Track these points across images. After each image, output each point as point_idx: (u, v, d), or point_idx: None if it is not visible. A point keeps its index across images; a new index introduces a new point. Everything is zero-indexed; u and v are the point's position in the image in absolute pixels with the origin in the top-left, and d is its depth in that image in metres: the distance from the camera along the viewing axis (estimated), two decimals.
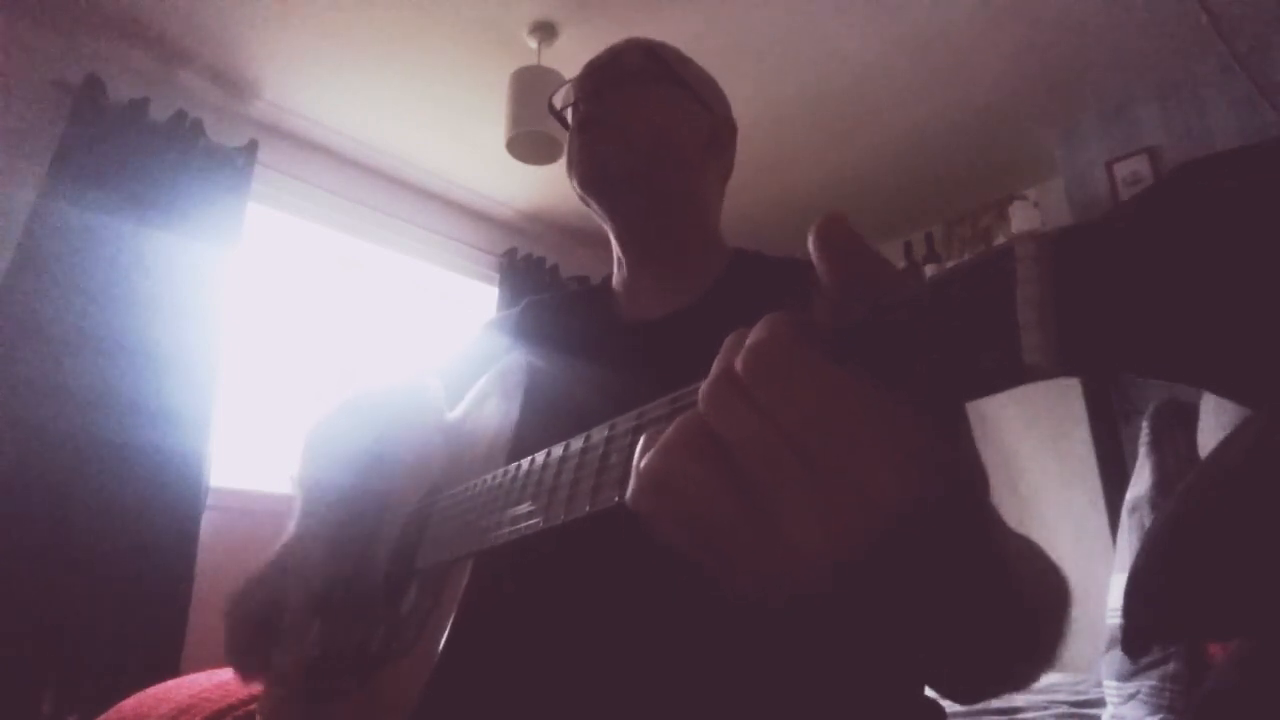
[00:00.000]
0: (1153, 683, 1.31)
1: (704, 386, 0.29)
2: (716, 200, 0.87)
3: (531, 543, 0.46)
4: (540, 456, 0.47)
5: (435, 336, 3.07)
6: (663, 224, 0.80)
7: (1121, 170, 2.53)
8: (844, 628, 0.52)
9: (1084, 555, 2.08)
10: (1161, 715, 1.28)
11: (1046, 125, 2.72)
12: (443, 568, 0.58)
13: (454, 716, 0.53)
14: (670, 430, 0.29)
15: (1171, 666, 1.31)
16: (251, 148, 2.41)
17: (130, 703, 1.17)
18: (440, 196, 3.01)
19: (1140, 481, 1.52)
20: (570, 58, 2.20)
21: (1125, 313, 0.20)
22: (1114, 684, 1.39)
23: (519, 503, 0.47)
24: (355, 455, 0.77)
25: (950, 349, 0.24)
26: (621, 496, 0.30)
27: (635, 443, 0.34)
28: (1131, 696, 1.34)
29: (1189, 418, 1.50)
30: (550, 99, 0.89)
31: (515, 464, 0.51)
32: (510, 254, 3.11)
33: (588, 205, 0.82)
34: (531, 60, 2.26)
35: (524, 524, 0.46)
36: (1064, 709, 1.51)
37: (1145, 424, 1.57)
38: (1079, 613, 0.47)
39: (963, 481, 0.32)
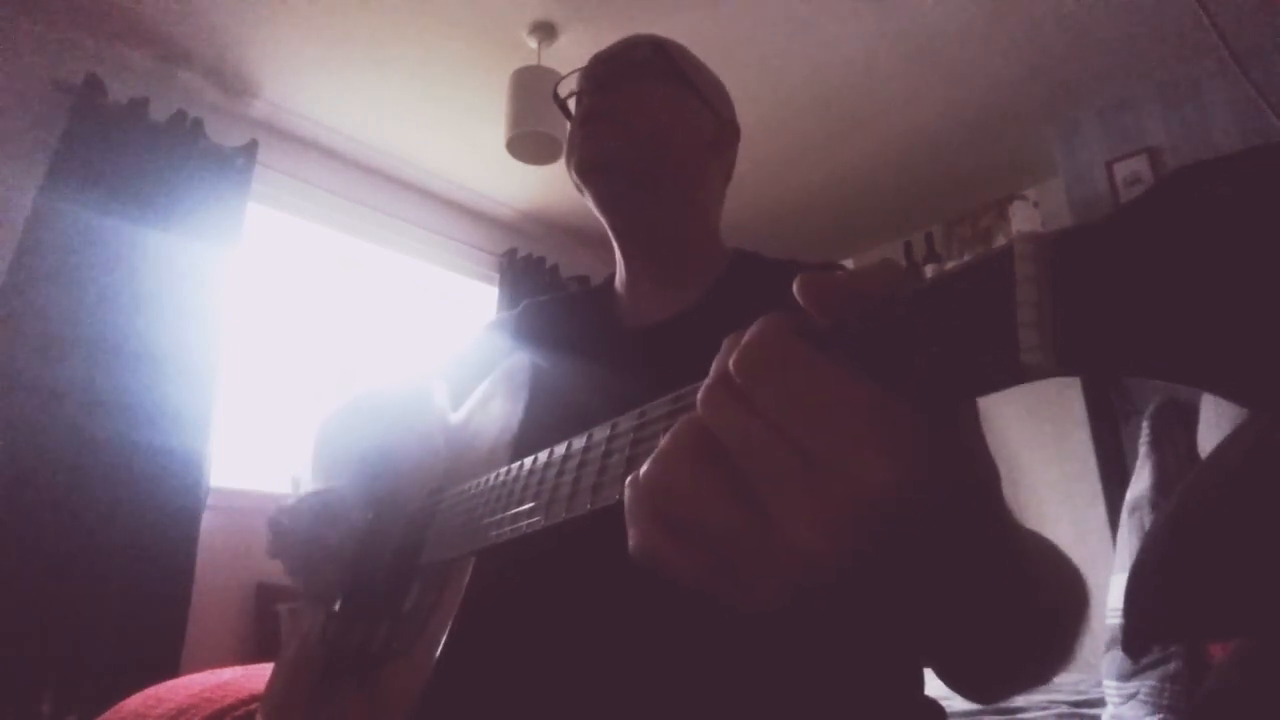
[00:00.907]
0: (1153, 683, 1.32)
1: (701, 388, 0.29)
2: (716, 202, 0.87)
3: (533, 541, 0.46)
4: (543, 455, 0.47)
5: (435, 336, 3.07)
6: (661, 222, 0.80)
7: (1121, 170, 2.53)
8: (847, 624, 0.52)
9: (1084, 555, 2.07)
10: (1161, 715, 1.28)
11: (1046, 125, 2.72)
12: (445, 566, 0.58)
13: (456, 715, 0.53)
14: (667, 438, 0.29)
15: (1171, 666, 1.31)
16: (251, 148, 2.41)
17: (130, 703, 1.17)
18: (440, 196, 3.01)
19: (1140, 481, 1.52)
20: (570, 58, 2.20)
21: (1123, 313, 0.20)
22: (1114, 684, 1.39)
23: (521, 501, 0.47)
24: (360, 455, 0.77)
25: (948, 347, 0.24)
26: (622, 495, 0.30)
27: (636, 440, 0.34)
28: (1131, 696, 1.34)
29: (1189, 418, 1.50)
30: (555, 88, 0.89)
31: (518, 463, 0.51)
32: (510, 254, 3.11)
33: (585, 196, 0.82)
34: (531, 60, 2.26)
35: (525, 522, 0.46)
36: (1064, 709, 1.52)
37: (1145, 424, 1.57)
38: None
39: (966, 476, 0.32)
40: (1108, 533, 2.14)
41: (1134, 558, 1.12)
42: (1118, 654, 1.37)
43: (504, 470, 0.53)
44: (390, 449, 0.78)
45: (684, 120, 0.80)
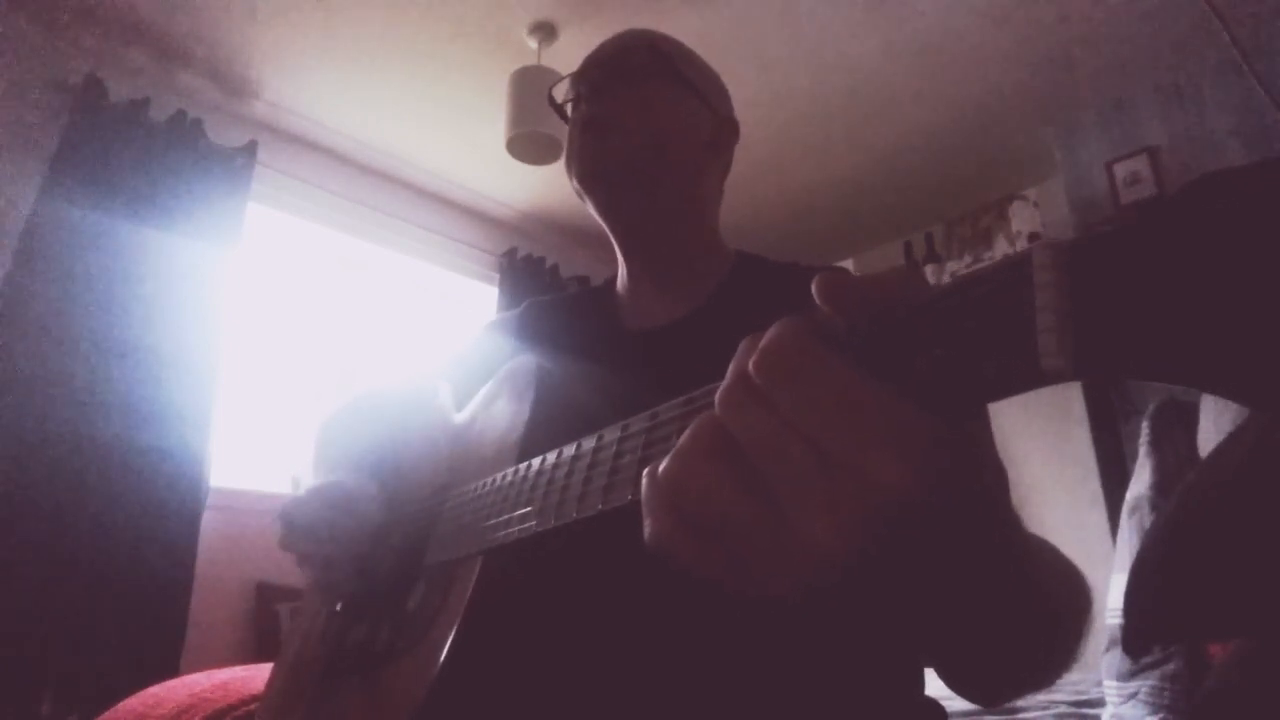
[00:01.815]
0: (1153, 683, 1.32)
1: (720, 389, 0.29)
2: (716, 200, 0.86)
3: (542, 542, 0.46)
4: (551, 456, 0.47)
5: (435, 336, 3.07)
6: (662, 224, 0.80)
7: (1121, 170, 2.53)
8: (855, 623, 0.53)
9: (1084, 555, 2.07)
10: (1161, 715, 1.28)
11: (1046, 125, 2.72)
12: (451, 566, 0.58)
13: (461, 715, 0.53)
14: (686, 436, 0.29)
15: (1171, 666, 1.31)
16: (251, 148, 2.41)
17: (130, 703, 1.17)
18: (440, 196, 3.01)
19: (1140, 481, 1.52)
20: (570, 58, 2.20)
21: (1141, 319, 0.21)
22: (1114, 684, 1.39)
23: (530, 502, 0.47)
24: (362, 454, 0.77)
25: (965, 352, 0.24)
26: (635, 495, 0.31)
27: (649, 442, 0.34)
28: (1131, 696, 1.34)
29: (1189, 418, 1.50)
30: (550, 91, 0.89)
31: (525, 463, 0.51)
32: (510, 254, 3.11)
33: (586, 203, 0.82)
34: (531, 60, 2.26)
35: (534, 523, 0.46)
36: (1064, 709, 1.52)
37: (1145, 424, 1.57)
38: None
39: (976, 480, 0.32)
40: (1108, 533, 2.14)
41: (1134, 558, 1.12)
42: (1118, 654, 1.37)
43: (511, 471, 0.53)
44: (392, 448, 0.78)
45: (682, 121, 0.80)
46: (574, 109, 0.83)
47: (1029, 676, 0.48)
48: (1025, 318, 0.22)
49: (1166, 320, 0.20)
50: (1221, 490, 0.98)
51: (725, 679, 0.59)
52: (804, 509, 0.26)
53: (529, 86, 2.16)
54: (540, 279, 3.13)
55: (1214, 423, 1.38)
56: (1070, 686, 1.67)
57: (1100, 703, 1.47)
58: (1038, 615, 0.41)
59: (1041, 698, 1.58)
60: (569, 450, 0.45)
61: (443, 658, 0.51)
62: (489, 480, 0.57)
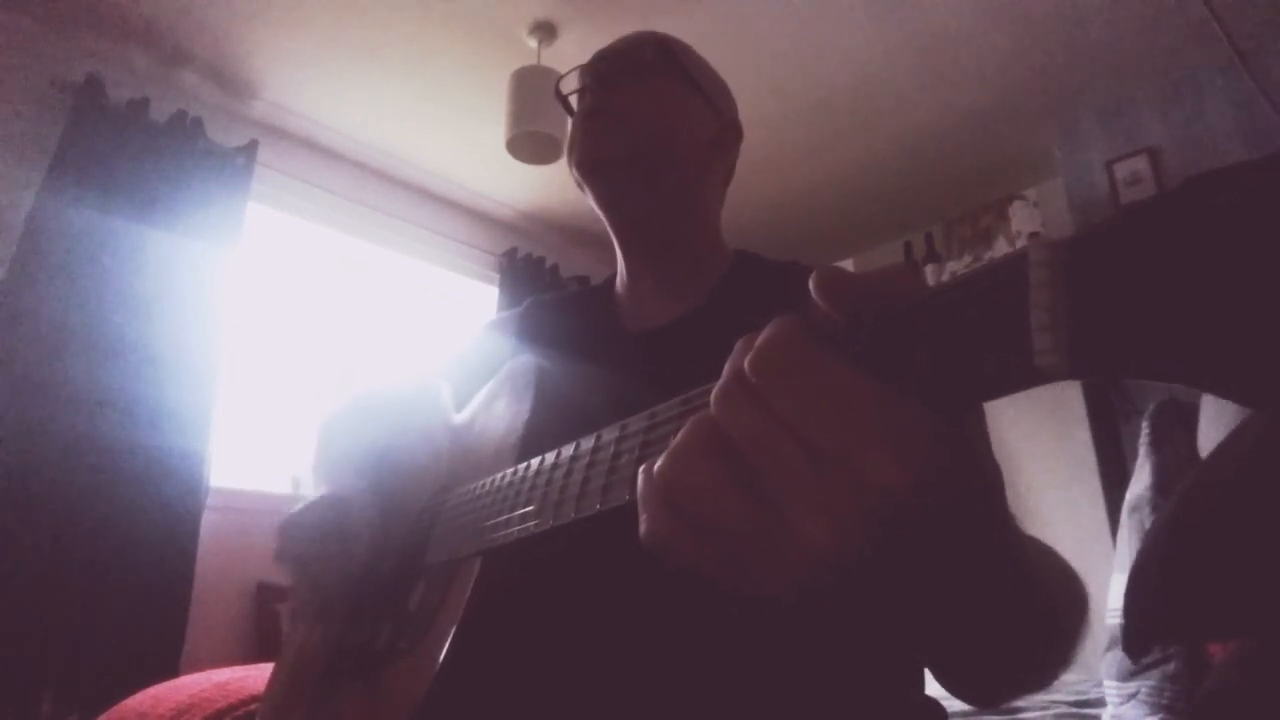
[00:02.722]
0: (1153, 683, 1.32)
1: (716, 388, 0.29)
2: (717, 202, 0.86)
3: (540, 542, 0.46)
4: (550, 456, 0.47)
5: (435, 336, 3.07)
6: (662, 221, 0.80)
7: (1121, 170, 2.53)
8: (851, 623, 0.53)
9: (1084, 555, 2.08)
10: (1161, 715, 1.28)
11: (1046, 125, 2.72)
12: (451, 566, 0.58)
13: (460, 715, 0.53)
14: (682, 435, 0.29)
15: (1171, 666, 1.31)
16: (251, 148, 2.41)
17: (130, 703, 1.17)
18: (440, 196, 3.01)
19: (1140, 481, 1.52)
20: (570, 58, 2.20)
21: (1137, 318, 0.21)
22: (1114, 684, 1.39)
23: (529, 502, 0.48)
24: (363, 454, 0.77)
25: (960, 350, 0.24)
26: (632, 495, 0.31)
27: (646, 442, 0.34)
28: (1131, 696, 1.34)
29: (1189, 418, 1.50)
30: (557, 83, 0.89)
31: (525, 463, 0.51)
32: (510, 254, 3.11)
33: (585, 193, 0.81)
34: (531, 60, 2.26)
35: (533, 523, 0.46)
36: (1064, 709, 1.52)
37: (1145, 424, 1.57)
38: None
39: (972, 480, 0.32)
40: (1108, 533, 2.14)
41: (1134, 558, 1.12)
42: (1118, 654, 1.37)
43: (510, 471, 0.53)
44: (393, 448, 0.77)
45: (687, 119, 0.80)
46: (579, 100, 0.83)
47: (1025, 677, 0.48)
48: (1020, 316, 0.22)
49: (1163, 318, 0.20)
50: (1221, 490, 0.98)
51: (724, 678, 0.59)
52: (799, 508, 0.26)
53: (529, 86, 2.16)
54: (540, 279, 3.13)
55: (1214, 423, 1.38)
56: (1070, 686, 1.67)
57: (1100, 703, 1.47)
58: (1034, 616, 0.41)
59: (1041, 698, 1.58)
60: (567, 450, 0.45)
61: (442, 658, 0.51)
62: (488, 480, 0.57)
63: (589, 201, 0.82)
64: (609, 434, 0.40)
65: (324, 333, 2.75)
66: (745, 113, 0.90)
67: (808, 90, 2.52)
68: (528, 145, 2.23)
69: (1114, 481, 2.20)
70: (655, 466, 0.30)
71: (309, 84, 2.45)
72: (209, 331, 2.19)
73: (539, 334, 0.84)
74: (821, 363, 0.26)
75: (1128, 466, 1.89)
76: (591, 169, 0.77)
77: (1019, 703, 1.52)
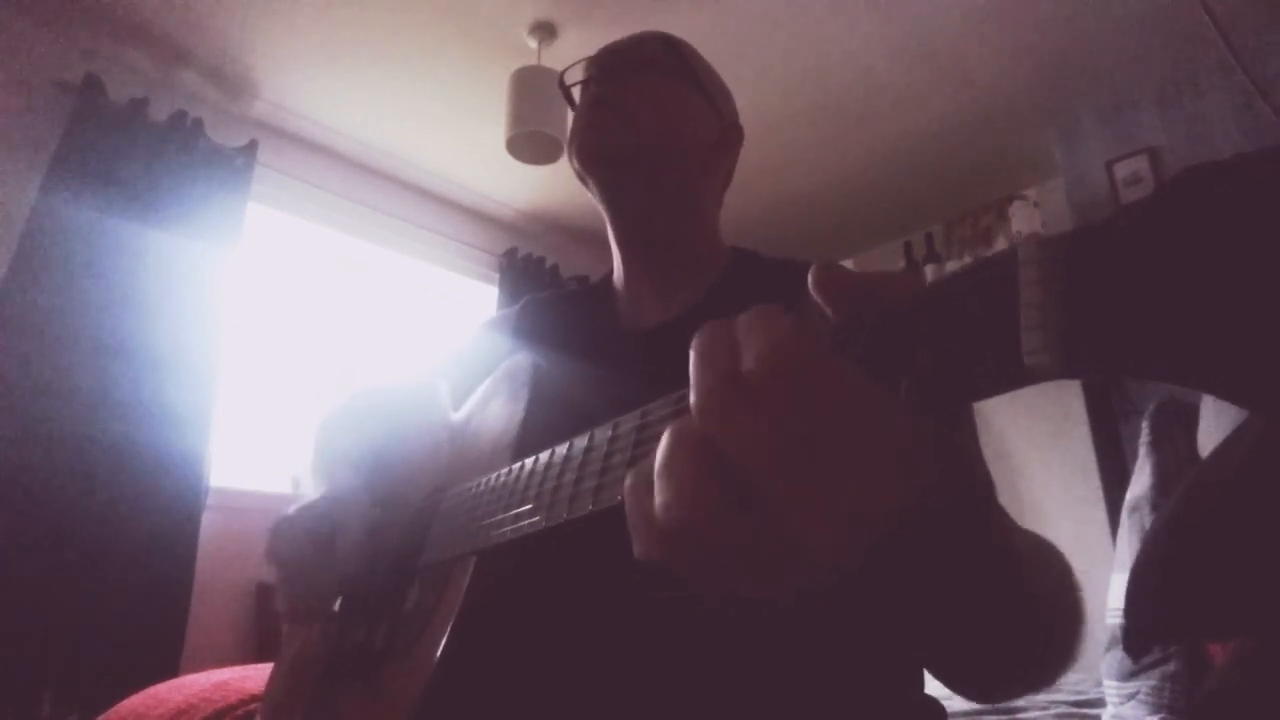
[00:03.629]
0: (1153, 683, 1.32)
1: (701, 396, 0.27)
2: (715, 205, 0.86)
3: (535, 542, 0.46)
4: (544, 456, 0.47)
5: (435, 336, 3.07)
6: (661, 219, 0.80)
7: (1121, 170, 2.53)
8: (846, 625, 0.52)
9: (1084, 555, 2.08)
10: (1161, 715, 1.28)
11: (1046, 125, 2.72)
12: (446, 566, 0.58)
13: (457, 715, 0.53)
14: (672, 460, 0.27)
15: (1171, 666, 1.31)
16: (251, 148, 2.41)
17: (130, 703, 1.17)
18: (440, 196, 3.01)
19: (1140, 481, 1.52)
20: (570, 58, 2.20)
21: (1127, 316, 0.20)
22: (1114, 684, 1.39)
23: (523, 502, 0.47)
24: (361, 453, 0.77)
25: (951, 351, 0.24)
26: (624, 499, 0.30)
27: (639, 442, 0.34)
28: (1131, 696, 1.34)
29: (1189, 418, 1.50)
30: (561, 75, 0.88)
31: (519, 463, 0.51)
32: (510, 254, 3.12)
33: (586, 186, 0.81)
34: (531, 60, 2.26)
35: (527, 523, 0.46)
36: (1064, 709, 1.52)
37: (1145, 424, 1.57)
38: None
39: (963, 482, 0.32)
40: (1108, 533, 2.14)
41: (1134, 558, 1.12)
42: (1118, 654, 1.37)
43: (505, 471, 0.53)
44: (391, 447, 0.77)
45: (690, 118, 0.80)
46: (583, 92, 0.82)
47: (1023, 676, 0.48)
48: (1010, 315, 0.22)
49: (1155, 317, 0.20)
50: (1221, 490, 0.98)
51: (722, 678, 0.59)
52: (799, 515, 0.25)
53: (529, 86, 2.16)
54: (540, 279, 3.13)
55: (1214, 423, 1.38)
56: (1070, 686, 1.67)
57: (1100, 703, 1.47)
58: (1032, 615, 0.41)
59: (1041, 698, 1.58)
60: (561, 450, 0.45)
61: (437, 658, 0.51)
62: (484, 480, 0.57)
63: (590, 196, 0.81)
64: (601, 434, 0.40)
65: (323, 332, 2.75)
66: (745, 113, 0.90)
67: (808, 90, 2.52)
68: (528, 145, 2.23)
69: (1114, 481, 2.20)
70: (656, 505, 0.27)
71: (309, 84, 2.45)
72: (209, 331, 2.19)
73: (536, 332, 0.84)
74: (824, 365, 0.26)
75: (1128, 466, 1.89)
76: (593, 159, 0.77)
77: (1019, 702, 1.52)
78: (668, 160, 0.77)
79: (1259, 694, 0.89)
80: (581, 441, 0.42)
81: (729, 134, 0.84)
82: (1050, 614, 0.44)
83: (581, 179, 0.80)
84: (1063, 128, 2.71)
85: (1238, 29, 2.17)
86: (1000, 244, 3.04)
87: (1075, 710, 1.51)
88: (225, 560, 2.15)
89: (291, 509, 0.71)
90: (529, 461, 0.49)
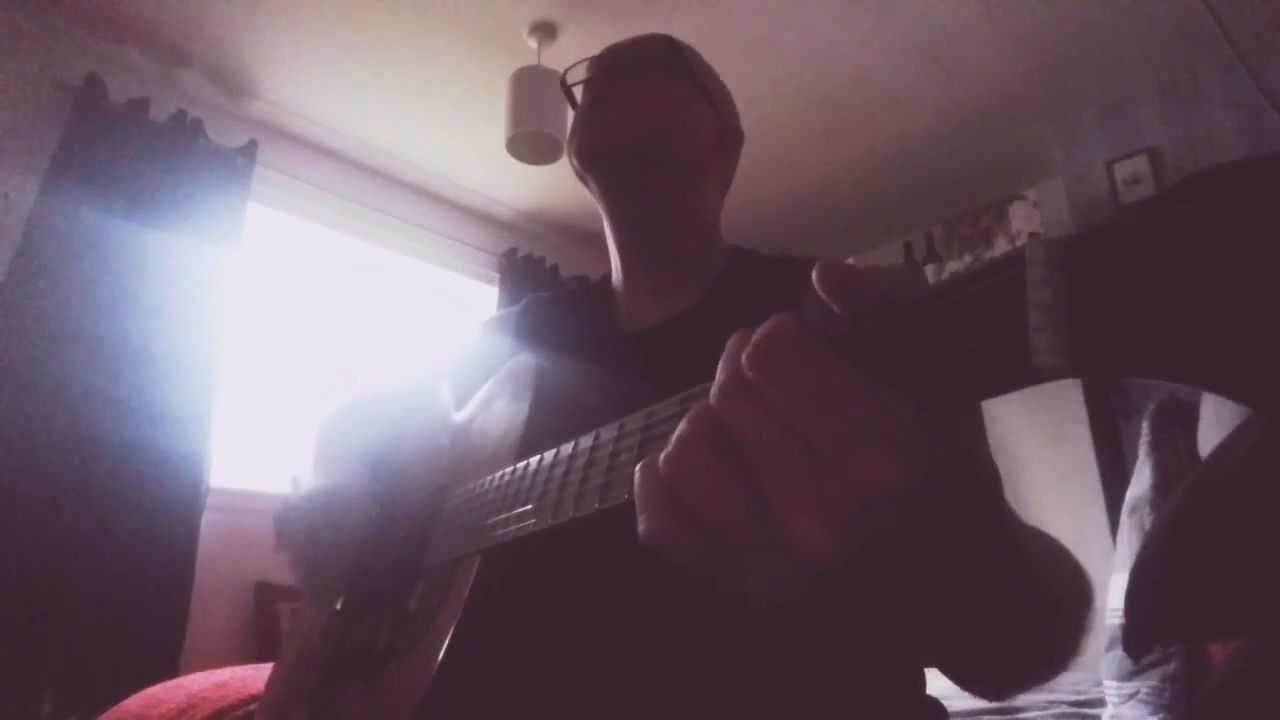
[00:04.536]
0: (1153, 683, 1.32)
1: (716, 383, 0.29)
2: (715, 207, 0.86)
3: (539, 541, 0.46)
4: (549, 455, 0.47)
5: (436, 336, 3.07)
6: (660, 220, 0.80)
7: (1121, 170, 2.53)
8: (847, 621, 0.52)
9: (1084, 555, 2.07)
10: (1161, 715, 1.28)
11: (1046, 125, 2.72)
12: (450, 565, 0.58)
13: (459, 715, 0.53)
14: (683, 426, 0.29)
15: (1171, 666, 1.31)
16: (251, 148, 2.41)
17: (130, 703, 1.17)
18: (440, 196, 3.01)
19: (1140, 481, 1.52)
20: (570, 58, 2.20)
21: (1134, 316, 0.20)
22: (1114, 684, 1.39)
23: (527, 501, 0.47)
24: (363, 453, 0.77)
25: (958, 350, 0.24)
26: (630, 494, 0.31)
27: (645, 441, 0.34)
28: (1131, 696, 1.34)
29: (1189, 418, 1.50)
30: (564, 74, 0.89)
31: (523, 463, 0.51)
32: (510, 254, 3.12)
33: (586, 185, 0.81)
34: (531, 60, 2.26)
35: (531, 522, 0.46)
36: (1064, 709, 1.52)
37: (1145, 424, 1.57)
38: None
39: (967, 479, 0.32)
40: (1108, 533, 2.14)
41: (1134, 557, 1.12)
42: (1118, 654, 1.37)
43: (509, 470, 0.53)
44: (393, 447, 0.77)
45: (689, 119, 0.80)
46: (585, 91, 0.83)
47: (1030, 670, 0.48)
48: (1018, 315, 0.22)
49: (1161, 317, 0.20)
50: (1222, 490, 0.98)
51: (724, 678, 0.59)
52: (794, 504, 0.26)
53: (529, 86, 2.16)
54: (540, 279, 3.13)
55: (1214, 423, 1.38)
56: (1070, 686, 1.67)
57: (1100, 703, 1.47)
58: (1036, 610, 0.41)
59: (1041, 698, 1.58)
60: (566, 449, 0.45)
61: (440, 658, 0.51)
62: (488, 479, 0.57)
63: (590, 196, 0.81)
64: (607, 433, 0.40)
65: (324, 333, 2.75)
66: (746, 113, 0.90)
67: (808, 90, 2.52)
68: (528, 145, 2.23)
69: (1114, 481, 2.20)
70: (660, 457, 0.29)
71: (309, 84, 2.45)
72: (209, 331, 2.19)
73: (537, 332, 0.84)
74: (820, 359, 0.26)
75: (1128, 466, 1.89)
76: (591, 157, 0.77)
77: (1019, 702, 1.52)
78: (666, 160, 0.78)
79: (1259, 694, 0.89)
80: (587, 441, 0.42)
81: (728, 136, 0.84)
82: (1058, 606, 0.44)
83: (581, 178, 0.80)
84: (1063, 128, 2.71)
85: (1240, 29, 2.17)
86: (1000, 244, 3.04)
87: (1075, 710, 1.51)
88: (225, 560, 2.15)
89: (293, 498, 0.72)
90: (533, 461, 0.49)
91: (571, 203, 3.04)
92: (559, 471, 0.44)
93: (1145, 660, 1.31)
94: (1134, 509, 1.50)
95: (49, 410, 1.88)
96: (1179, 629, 1.09)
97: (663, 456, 0.29)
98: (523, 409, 0.59)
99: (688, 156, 0.79)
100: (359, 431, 0.80)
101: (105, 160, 2.08)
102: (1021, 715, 1.47)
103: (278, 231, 2.66)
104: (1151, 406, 1.60)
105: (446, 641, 0.52)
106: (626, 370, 0.66)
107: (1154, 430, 1.54)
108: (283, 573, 0.72)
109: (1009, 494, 0.41)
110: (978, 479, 0.34)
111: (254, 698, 1.04)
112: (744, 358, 0.28)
